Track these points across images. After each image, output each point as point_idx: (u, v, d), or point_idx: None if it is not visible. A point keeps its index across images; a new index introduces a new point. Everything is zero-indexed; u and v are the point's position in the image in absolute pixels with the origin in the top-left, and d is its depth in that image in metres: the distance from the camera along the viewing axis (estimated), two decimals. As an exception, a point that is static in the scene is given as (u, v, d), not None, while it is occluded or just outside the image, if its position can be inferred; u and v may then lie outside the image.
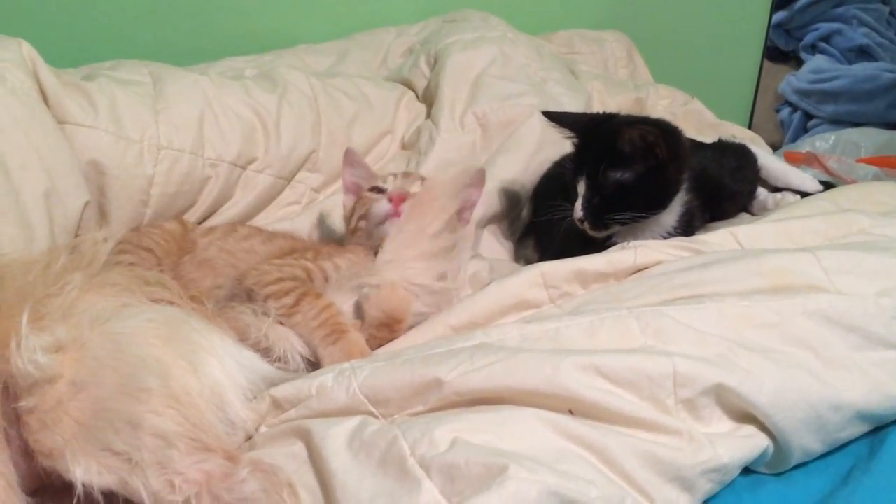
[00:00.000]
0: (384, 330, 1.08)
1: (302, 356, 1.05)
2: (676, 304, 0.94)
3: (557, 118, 1.30)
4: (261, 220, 1.45)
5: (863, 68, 2.66)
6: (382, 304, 1.08)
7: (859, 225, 1.14)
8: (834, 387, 0.86)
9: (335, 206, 1.46)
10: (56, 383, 0.79)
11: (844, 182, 1.79)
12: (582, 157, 1.26)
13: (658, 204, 1.22)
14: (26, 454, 0.79)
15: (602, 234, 1.24)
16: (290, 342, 1.05)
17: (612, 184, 1.19)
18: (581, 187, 1.22)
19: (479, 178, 1.30)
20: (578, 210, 1.23)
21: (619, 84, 1.96)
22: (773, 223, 1.17)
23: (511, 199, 1.53)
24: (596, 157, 1.20)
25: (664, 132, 1.20)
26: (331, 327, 1.04)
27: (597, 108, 1.71)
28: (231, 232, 1.28)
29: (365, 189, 1.29)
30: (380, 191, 1.25)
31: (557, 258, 1.11)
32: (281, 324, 1.06)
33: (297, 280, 1.10)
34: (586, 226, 1.23)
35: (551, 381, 0.82)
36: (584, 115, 1.37)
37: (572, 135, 1.28)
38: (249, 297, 1.08)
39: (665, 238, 1.24)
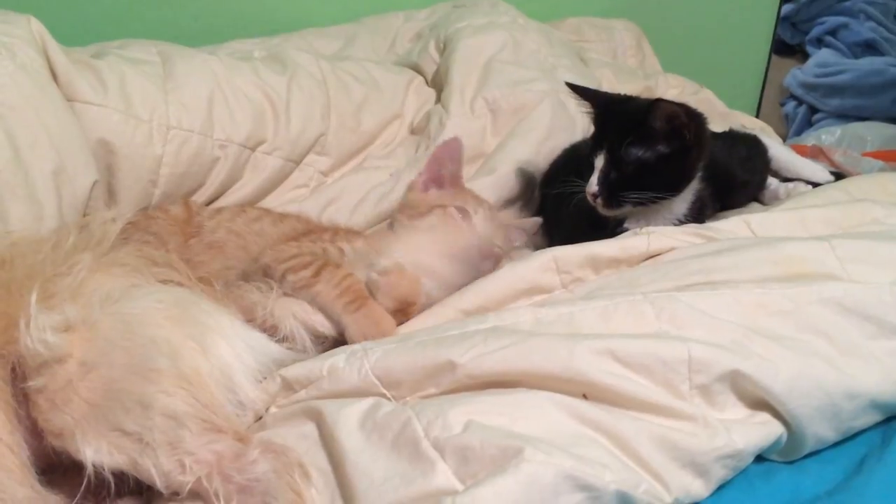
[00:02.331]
0: (398, 315, 1.06)
1: (308, 333, 1.04)
2: (691, 291, 0.93)
3: (580, 90, 1.29)
4: (269, 203, 1.44)
5: (869, 62, 2.66)
6: (393, 291, 1.06)
7: (872, 215, 1.14)
8: (849, 375, 0.86)
9: (343, 190, 1.46)
10: (65, 363, 0.79)
11: (850, 176, 1.79)
12: (603, 131, 1.24)
13: (674, 187, 1.21)
14: (35, 434, 0.79)
15: (613, 213, 1.23)
16: (295, 319, 1.03)
17: (633, 160, 1.18)
18: (599, 162, 1.21)
19: (450, 146, 1.28)
20: (593, 185, 1.21)
21: (628, 72, 1.96)
22: (787, 212, 1.17)
23: (521, 184, 1.52)
24: (620, 132, 1.19)
25: (692, 116, 1.19)
26: (354, 294, 1.03)
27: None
28: (240, 213, 1.26)
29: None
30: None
31: (566, 243, 1.10)
32: (287, 296, 1.05)
33: (315, 255, 1.09)
34: (599, 202, 1.21)
35: (566, 365, 0.81)
36: (607, 92, 1.36)
37: (591, 109, 1.27)
38: (266, 274, 1.07)
39: (676, 226, 1.23)
